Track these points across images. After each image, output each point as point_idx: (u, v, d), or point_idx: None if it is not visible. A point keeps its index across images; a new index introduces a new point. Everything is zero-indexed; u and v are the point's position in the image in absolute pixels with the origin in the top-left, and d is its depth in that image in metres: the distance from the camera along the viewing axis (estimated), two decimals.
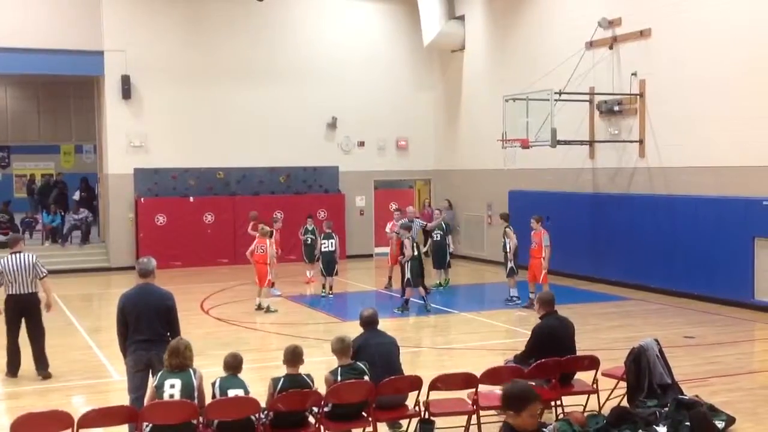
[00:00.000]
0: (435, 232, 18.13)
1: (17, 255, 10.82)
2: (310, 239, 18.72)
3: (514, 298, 16.03)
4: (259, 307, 15.71)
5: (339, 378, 7.50)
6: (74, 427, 6.71)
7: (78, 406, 8.98)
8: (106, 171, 23.32)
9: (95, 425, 7.08)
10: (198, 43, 23.16)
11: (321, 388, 7.52)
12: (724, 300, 15.62)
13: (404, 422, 8.02)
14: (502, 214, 17.18)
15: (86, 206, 25.06)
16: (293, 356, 7.45)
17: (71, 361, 11.98)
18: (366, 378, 7.57)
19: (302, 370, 7.48)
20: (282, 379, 7.33)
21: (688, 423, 7.94)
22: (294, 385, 7.29)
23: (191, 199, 23.22)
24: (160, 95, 22.84)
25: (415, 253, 15.17)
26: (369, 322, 8.32)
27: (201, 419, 7.00)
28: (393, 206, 21.57)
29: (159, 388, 6.97)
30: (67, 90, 29.20)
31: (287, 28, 24.11)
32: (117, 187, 22.90)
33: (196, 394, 7.05)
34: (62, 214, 24.72)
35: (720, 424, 8.13)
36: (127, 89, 22.35)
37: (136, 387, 7.90)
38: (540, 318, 8.83)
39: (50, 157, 32.17)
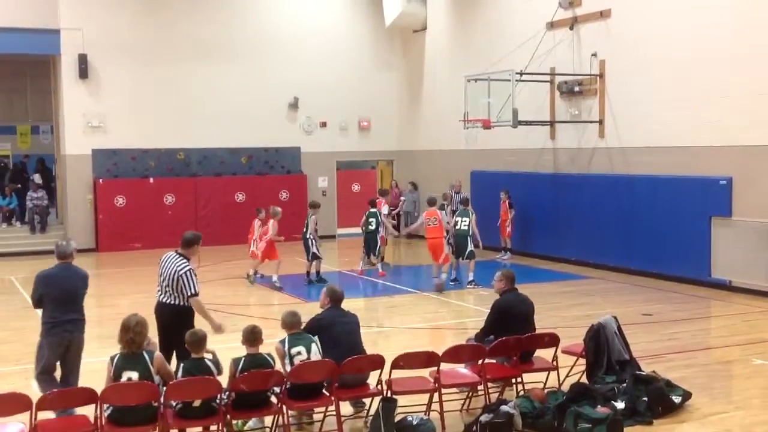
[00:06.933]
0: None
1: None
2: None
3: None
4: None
5: (287, 346, 7.58)
6: (33, 410, 6.65)
7: (37, 389, 8.87)
8: (64, 152, 22.96)
9: (54, 407, 7.04)
10: (157, 22, 22.83)
11: (278, 365, 7.54)
12: (681, 278, 15.88)
13: (366, 401, 8.06)
14: (463, 198, 17.28)
15: (43, 188, 24.67)
16: (252, 336, 7.45)
17: (30, 344, 11.75)
18: (314, 346, 7.65)
19: (262, 350, 7.49)
20: (243, 359, 7.33)
21: (645, 398, 8.09)
22: (255, 364, 7.29)
23: (151, 180, 22.98)
24: (118, 74, 22.50)
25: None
26: (338, 299, 8.33)
27: (162, 400, 6.97)
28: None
29: (117, 378, 6.92)
30: (23, 69, 28.56)
31: (248, 7, 23.87)
32: (75, 169, 22.57)
33: (156, 378, 7.02)
34: (18, 195, 24.32)
35: (677, 399, 8.29)
36: (84, 68, 21.98)
37: (51, 369, 7.82)
38: (500, 294, 8.93)
39: (6, 138, 31.51)
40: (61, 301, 7.86)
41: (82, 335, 8.13)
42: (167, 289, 8.38)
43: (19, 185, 25.03)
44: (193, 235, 8.70)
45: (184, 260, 8.44)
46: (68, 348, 7.97)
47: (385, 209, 19.16)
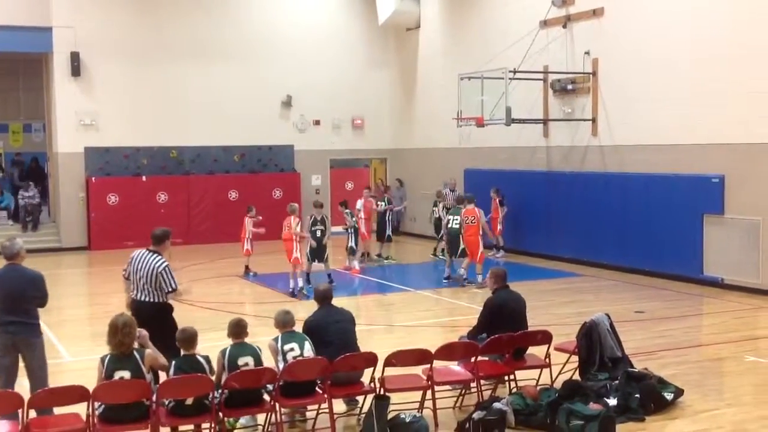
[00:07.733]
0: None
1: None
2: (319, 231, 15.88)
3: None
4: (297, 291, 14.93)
5: (280, 343, 7.60)
6: (25, 408, 6.63)
7: (28, 387, 8.85)
8: (56, 150, 22.89)
9: (46, 405, 7.00)
10: (150, 20, 22.77)
11: (268, 360, 7.56)
12: (673, 275, 15.92)
13: (359, 398, 8.07)
14: (459, 197, 17.27)
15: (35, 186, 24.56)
16: (237, 328, 7.49)
17: None
18: (307, 343, 7.66)
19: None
20: (229, 348, 7.37)
21: (637, 395, 8.11)
22: (242, 351, 7.33)
23: (144, 178, 22.93)
24: (111, 72, 22.44)
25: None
26: (325, 297, 8.34)
27: (154, 398, 6.96)
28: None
29: (108, 379, 6.91)
30: (16, 67, 28.50)
31: (241, 5, 23.83)
32: (67, 167, 22.50)
33: (148, 376, 7.01)
34: (12, 193, 24.24)
35: (669, 396, 8.32)
36: (76, 66, 21.92)
37: (6, 370, 7.69)
38: (492, 292, 8.94)
39: None
40: (4, 303, 7.67)
41: (32, 338, 7.82)
42: (146, 287, 8.44)
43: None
44: (163, 232, 8.75)
45: (160, 257, 8.52)
46: (17, 351, 7.73)
47: (359, 204, 18.80)
